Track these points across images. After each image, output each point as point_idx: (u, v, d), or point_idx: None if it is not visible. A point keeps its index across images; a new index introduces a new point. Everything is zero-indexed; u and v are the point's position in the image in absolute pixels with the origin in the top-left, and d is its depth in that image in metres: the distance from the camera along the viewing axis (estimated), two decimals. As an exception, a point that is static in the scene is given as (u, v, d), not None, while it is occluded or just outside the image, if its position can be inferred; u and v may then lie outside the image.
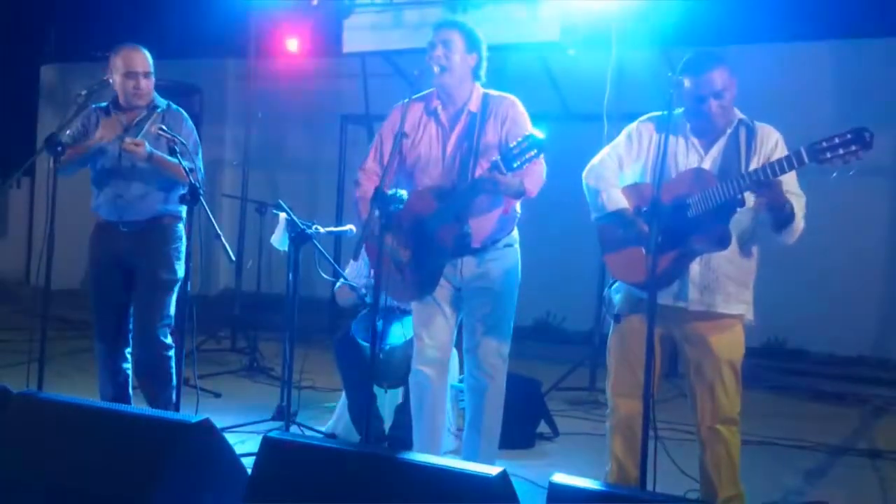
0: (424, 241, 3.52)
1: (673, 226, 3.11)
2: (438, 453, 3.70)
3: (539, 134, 3.24)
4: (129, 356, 4.29)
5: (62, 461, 2.89)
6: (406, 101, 3.56)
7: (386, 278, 3.66)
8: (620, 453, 3.37)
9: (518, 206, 3.65)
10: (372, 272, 4.34)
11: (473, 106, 3.56)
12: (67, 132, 4.17)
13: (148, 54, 4.22)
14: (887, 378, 6.82)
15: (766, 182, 2.94)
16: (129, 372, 4.30)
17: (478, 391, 3.66)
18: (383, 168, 3.52)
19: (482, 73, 3.60)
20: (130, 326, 4.27)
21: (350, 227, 4.87)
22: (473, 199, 3.42)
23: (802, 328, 7.57)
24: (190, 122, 4.27)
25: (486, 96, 3.58)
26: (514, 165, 3.22)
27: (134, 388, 4.40)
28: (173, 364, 4.16)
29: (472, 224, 3.47)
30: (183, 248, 4.18)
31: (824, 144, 2.84)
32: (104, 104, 4.25)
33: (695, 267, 3.20)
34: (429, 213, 3.50)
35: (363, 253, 4.54)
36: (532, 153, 3.20)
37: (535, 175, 3.45)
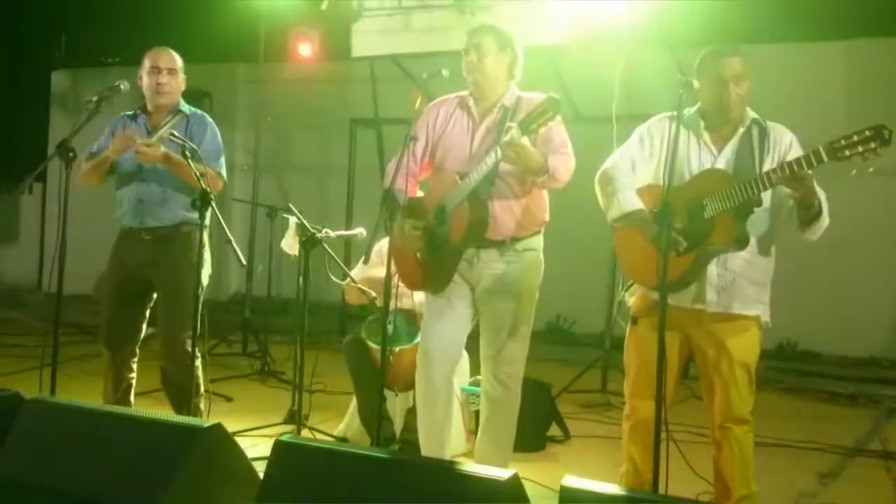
0: (442, 227, 3.53)
1: (690, 227, 3.11)
2: (443, 450, 3.70)
3: (555, 96, 3.29)
4: (134, 367, 4.26)
5: (74, 466, 2.90)
6: (439, 99, 3.67)
7: (400, 269, 3.66)
8: (637, 455, 3.36)
9: (545, 212, 3.64)
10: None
11: (507, 101, 3.58)
12: (98, 143, 4.18)
13: (176, 55, 4.23)
14: (900, 379, 6.79)
15: (799, 176, 2.93)
16: (133, 381, 4.27)
17: (492, 398, 3.65)
18: (416, 164, 3.63)
19: (517, 70, 3.63)
20: (139, 336, 4.25)
21: (360, 230, 4.88)
22: (494, 172, 3.42)
23: (815, 330, 7.55)
24: (213, 128, 4.26)
25: (519, 96, 3.60)
26: (532, 128, 3.27)
27: (138, 394, 4.39)
28: (200, 373, 4.14)
29: (491, 207, 3.47)
30: (206, 256, 4.16)
31: (843, 142, 2.83)
32: (132, 112, 4.26)
33: (712, 269, 3.19)
34: (449, 193, 3.51)
35: (374, 255, 4.57)
36: (549, 115, 3.25)
37: (562, 158, 3.44)
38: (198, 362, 4.13)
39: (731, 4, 6.99)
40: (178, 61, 4.24)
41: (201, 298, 3.98)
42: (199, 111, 4.32)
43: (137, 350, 4.27)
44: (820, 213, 3.08)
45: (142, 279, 4.18)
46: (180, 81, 4.25)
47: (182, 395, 4.09)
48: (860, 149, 2.80)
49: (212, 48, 9.85)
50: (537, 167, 3.38)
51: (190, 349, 4.07)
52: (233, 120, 10.22)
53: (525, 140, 3.29)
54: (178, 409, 4.14)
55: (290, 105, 9.30)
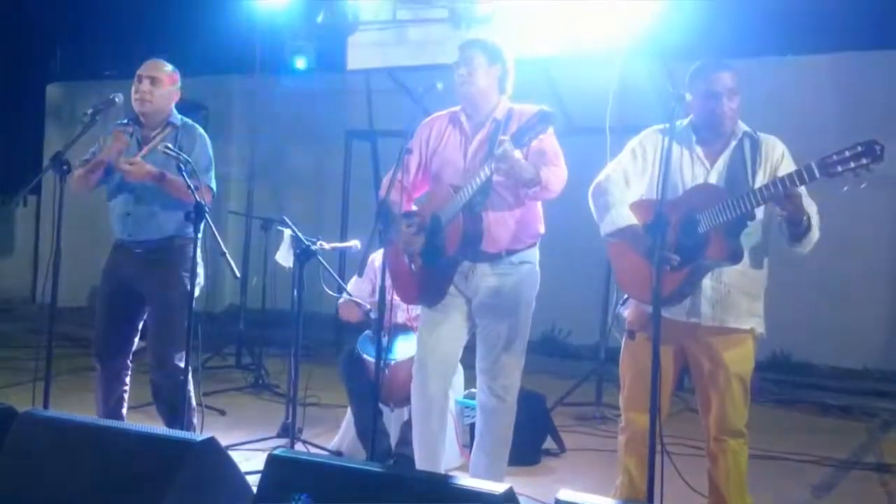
0: (437, 239, 3.53)
1: (684, 242, 3.12)
2: (438, 464, 3.69)
3: (548, 109, 3.31)
4: (126, 380, 4.23)
5: (67, 480, 2.89)
6: (431, 117, 3.69)
7: (395, 282, 3.66)
8: (633, 468, 3.37)
9: (541, 223, 3.65)
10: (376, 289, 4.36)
11: (498, 114, 3.60)
12: (91, 150, 4.16)
13: (163, 65, 4.18)
14: (893, 391, 6.80)
15: (788, 194, 2.94)
16: (125, 395, 4.24)
17: (488, 411, 3.65)
18: (410, 181, 3.64)
19: (508, 84, 3.64)
20: (131, 349, 4.21)
21: (354, 242, 4.88)
22: (488, 184, 3.43)
23: (808, 341, 7.55)
24: (203, 140, 4.21)
25: (511, 109, 3.61)
26: (524, 140, 3.28)
27: (131, 408, 4.36)
28: (190, 387, 4.10)
29: (486, 219, 3.48)
30: (196, 270, 4.09)
31: (834, 158, 2.83)
32: (125, 121, 4.24)
33: (706, 282, 3.20)
34: (444, 205, 3.52)
35: (367, 269, 4.56)
36: (541, 128, 3.27)
37: (554, 170, 3.45)
38: (189, 376, 4.11)
39: (724, 18, 7.03)
40: (165, 71, 4.17)
41: (194, 308, 3.97)
42: (190, 122, 4.27)
43: (130, 363, 4.24)
44: (809, 228, 3.09)
45: (133, 292, 4.15)
46: (166, 91, 4.16)
47: (172, 410, 4.07)
48: (852, 164, 2.80)
49: (207, 60, 9.86)
50: (530, 179, 3.39)
51: (179, 363, 4.05)
52: (228, 132, 10.22)
53: (517, 153, 3.31)
54: (170, 425, 4.11)
55: (286, 117, 9.31)
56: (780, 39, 7.60)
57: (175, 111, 4.24)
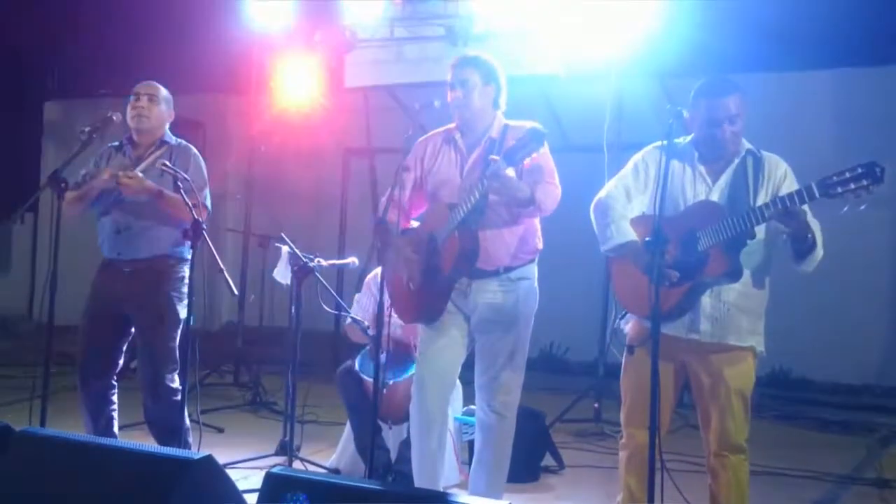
0: (433, 257, 3.53)
1: (683, 259, 3.12)
2: (436, 479, 3.67)
3: (540, 127, 3.31)
4: (114, 398, 4.18)
5: (65, 499, 2.87)
6: (427, 135, 3.69)
7: (393, 300, 3.66)
8: (634, 484, 3.35)
9: (538, 239, 3.65)
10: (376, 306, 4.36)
11: (494, 133, 3.60)
12: (82, 172, 4.15)
13: (160, 86, 4.21)
14: (893, 406, 6.79)
15: (792, 212, 2.94)
16: (115, 413, 4.19)
17: (486, 427, 3.64)
18: (407, 200, 3.66)
19: (502, 101, 3.65)
20: (115, 370, 4.16)
21: (352, 259, 4.88)
22: (483, 203, 3.43)
23: (807, 357, 7.55)
24: (198, 158, 4.21)
25: (506, 125, 3.61)
26: (517, 158, 3.28)
27: (126, 426, 4.32)
28: (184, 406, 4.05)
29: (482, 237, 3.48)
30: (185, 290, 4.05)
31: (835, 179, 2.84)
32: (117, 142, 4.24)
33: (706, 299, 3.21)
34: (440, 224, 3.53)
35: (364, 287, 4.57)
36: (533, 146, 3.26)
37: (549, 189, 3.46)
38: (179, 396, 4.05)
39: (720, 35, 7.07)
40: (162, 92, 4.21)
41: (179, 332, 3.95)
42: (183, 142, 4.27)
43: (115, 383, 4.18)
44: (814, 245, 3.09)
45: (119, 313, 4.11)
46: (162, 111, 4.19)
47: (166, 433, 4.01)
48: (852, 186, 2.81)
49: (204, 79, 9.91)
50: (524, 198, 3.40)
51: (171, 385, 4.02)
52: (226, 150, 10.22)
53: (510, 171, 3.31)
54: (164, 445, 4.06)
55: (283, 135, 9.34)
56: (777, 56, 7.64)
57: (168, 131, 4.25)
